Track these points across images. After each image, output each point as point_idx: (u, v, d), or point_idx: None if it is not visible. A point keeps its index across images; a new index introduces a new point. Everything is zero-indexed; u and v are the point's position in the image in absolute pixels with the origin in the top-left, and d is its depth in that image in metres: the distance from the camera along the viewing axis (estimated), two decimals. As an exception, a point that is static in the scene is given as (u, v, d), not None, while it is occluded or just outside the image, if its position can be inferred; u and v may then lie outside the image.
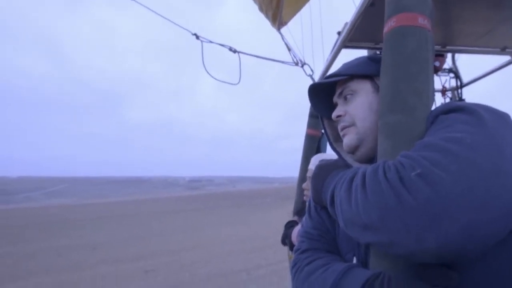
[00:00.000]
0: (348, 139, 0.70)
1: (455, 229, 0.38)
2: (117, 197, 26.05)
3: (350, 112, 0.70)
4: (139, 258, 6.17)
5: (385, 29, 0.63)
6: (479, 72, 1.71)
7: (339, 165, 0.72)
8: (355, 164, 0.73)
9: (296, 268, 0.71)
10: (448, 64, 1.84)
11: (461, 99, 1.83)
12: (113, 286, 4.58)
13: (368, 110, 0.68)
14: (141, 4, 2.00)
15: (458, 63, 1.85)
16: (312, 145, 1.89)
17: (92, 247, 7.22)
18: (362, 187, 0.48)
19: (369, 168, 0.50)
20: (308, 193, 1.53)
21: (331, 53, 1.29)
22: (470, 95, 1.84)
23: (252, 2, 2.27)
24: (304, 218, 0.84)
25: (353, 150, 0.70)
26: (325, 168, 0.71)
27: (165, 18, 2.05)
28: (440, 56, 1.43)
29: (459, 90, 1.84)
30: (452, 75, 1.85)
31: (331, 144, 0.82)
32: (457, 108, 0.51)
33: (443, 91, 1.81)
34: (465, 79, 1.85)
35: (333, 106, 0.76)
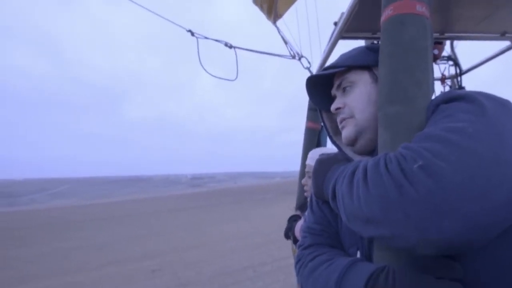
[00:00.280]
0: (347, 131, 0.69)
1: (457, 219, 0.38)
2: (119, 197, 26.13)
3: (349, 104, 0.70)
4: (144, 257, 6.21)
5: (382, 18, 0.62)
6: (479, 59, 1.69)
7: (339, 159, 0.71)
8: (356, 157, 0.72)
9: (300, 264, 0.71)
10: (446, 51, 1.82)
11: (460, 87, 1.82)
12: (121, 286, 4.61)
13: (367, 101, 0.68)
14: (134, 2, 1.97)
15: (457, 50, 1.83)
16: (312, 139, 1.88)
17: (97, 248, 7.27)
18: (363, 181, 0.47)
19: (370, 161, 0.50)
20: (308, 189, 1.53)
21: (328, 44, 1.28)
22: (470, 83, 1.83)
23: (247, -5, 2.24)
24: (306, 213, 0.84)
25: (352, 142, 0.70)
26: (325, 163, 0.70)
27: (159, 16, 2.03)
28: (439, 43, 1.41)
29: (459, 78, 1.83)
30: (451, 62, 1.83)
31: (330, 138, 0.82)
32: (458, 96, 0.51)
33: (442, 79, 1.80)
34: (464, 66, 1.83)
35: (332, 99, 0.76)
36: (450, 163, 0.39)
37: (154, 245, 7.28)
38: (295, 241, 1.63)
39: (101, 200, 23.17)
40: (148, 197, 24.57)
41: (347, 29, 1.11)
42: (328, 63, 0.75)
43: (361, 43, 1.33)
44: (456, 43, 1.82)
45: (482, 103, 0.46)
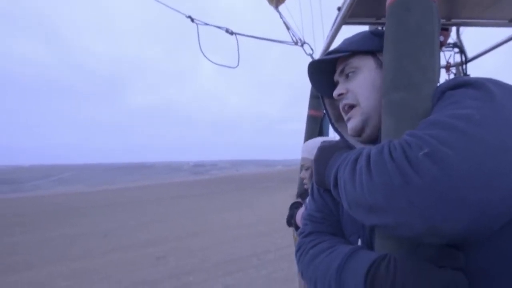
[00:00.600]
0: (354, 122, 0.68)
1: (462, 208, 0.37)
2: (123, 184, 26.43)
3: (352, 90, 0.68)
4: (149, 244, 6.30)
5: (388, 2, 0.60)
6: (485, 46, 1.65)
7: (341, 146, 0.70)
8: (358, 145, 0.71)
9: (300, 251, 0.72)
10: (452, 38, 1.78)
11: (466, 75, 1.78)
12: (126, 274, 4.71)
13: (371, 87, 0.66)
14: None
15: (463, 37, 1.79)
16: (314, 126, 1.88)
17: (102, 234, 7.39)
18: (366, 168, 0.46)
19: (373, 148, 0.49)
20: (307, 182, 1.53)
21: (331, 30, 1.25)
22: (475, 71, 1.79)
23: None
24: (307, 200, 0.84)
25: (359, 133, 0.69)
26: (327, 150, 0.69)
27: (159, 2, 1.98)
28: (444, 30, 1.38)
29: (464, 66, 1.79)
30: (456, 50, 1.80)
31: (332, 125, 0.81)
32: (465, 83, 0.49)
33: (448, 67, 1.77)
34: (470, 54, 1.79)
35: (335, 85, 0.74)
36: (457, 150, 0.38)
37: (158, 232, 7.39)
38: (296, 228, 1.64)
39: (105, 187, 23.45)
40: (151, 184, 24.83)
41: (350, 14, 1.08)
42: (331, 49, 0.74)
43: (364, 29, 1.30)
44: (462, 29, 1.77)
45: (490, 89, 0.45)
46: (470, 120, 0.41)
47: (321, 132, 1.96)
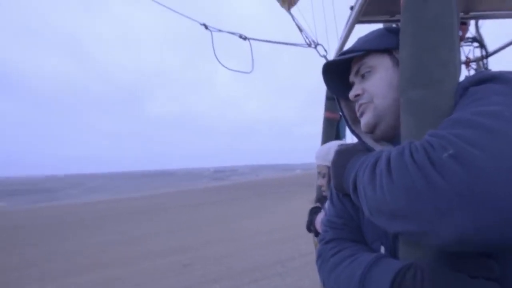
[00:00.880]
0: (366, 118, 0.66)
1: (494, 214, 0.34)
2: (148, 191, 27.26)
3: (368, 90, 0.66)
4: (176, 252, 6.43)
5: None
6: (506, 39, 1.57)
7: (359, 149, 0.67)
8: (377, 147, 0.69)
9: (321, 259, 0.70)
10: (471, 33, 1.69)
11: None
12: (156, 281, 4.82)
13: (387, 86, 0.63)
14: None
15: (482, 31, 1.69)
16: (331, 129, 1.84)
17: (131, 242, 7.63)
18: (387, 171, 0.44)
19: (393, 150, 0.46)
20: (325, 189, 1.49)
21: (344, 30, 1.22)
22: (497, 66, 1.69)
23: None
24: (326, 206, 0.81)
25: (372, 129, 0.66)
26: (344, 154, 0.66)
27: (174, 11, 2.05)
28: (463, 24, 1.31)
29: (485, 61, 1.70)
30: (476, 44, 1.70)
31: (349, 127, 0.78)
32: (489, 77, 0.46)
33: (467, 63, 1.68)
34: (490, 48, 1.70)
35: (350, 86, 0.72)
36: (485, 150, 0.35)
37: (183, 239, 7.53)
38: (316, 234, 1.60)
39: (131, 195, 24.30)
40: (174, 191, 25.43)
41: (364, 12, 1.05)
42: (345, 49, 0.72)
43: (379, 27, 1.25)
44: (481, 22, 1.67)
45: None
46: (497, 117, 0.37)
47: (338, 135, 1.91)
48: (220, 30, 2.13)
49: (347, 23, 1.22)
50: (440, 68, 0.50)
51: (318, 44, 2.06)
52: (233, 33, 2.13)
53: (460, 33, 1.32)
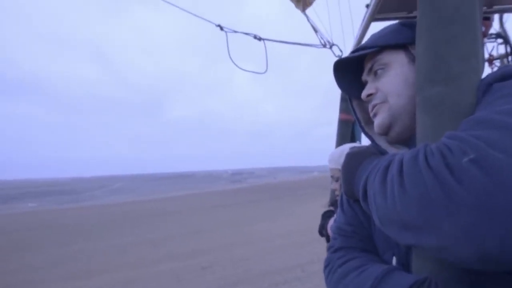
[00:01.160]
0: (380, 118, 0.61)
1: None
2: (168, 193, 27.85)
3: (382, 89, 0.61)
4: (195, 254, 6.49)
5: None
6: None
7: (372, 152, 0.62)
8: (391, 150, 0.64)
9: (328, 268, 0.66)
10: (495, 28, 1.58)
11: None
12: (176, 284, 4.88)
13: (403, 84, 0.58)
14: (169, 2, 2.06)
15: (507, 26, 1.58)
16: (346, 131, 1.79)
17: (152, 244, 7.79)
18: (399, 178, 0.39)
19: (406, 154, 0.41)
20: (339, 193, 1.45)
21: (359, 28, 1.18)
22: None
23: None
24: (337, 212, 0.78)
25: (386, 130, 0.61)
26: (356, 157, 0.61)
27: (189, 12, 2.10)
28: (486, 19, 1.22)
29: (510, 58, 1.58)
30: (500, 40, 1.59)
31: (362, 128, 0.73)
32: None
33: (490, 60, 1.57)
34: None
35: (364, 85, 0.67)
36: (510, 154, 0.30)
37: (202, 242, 7.60)
38: (328, 239, 1.56)
39: (152, 196, 24.95)
40: (193, 193, 25.84)
41: (379, 9, 1.00)
42: (358, 46, 0.68)
43: (395, 24, 1.21)
44: (506, 17, 1.56)
45: None
46: None
47: (353, 137, 1.86)
48: (235, 31, 2.15)
49: (362, 21, 1.18)
50: (460, 62, 0.46)
51: (333, 44, 2.02)
52: (248, 34, 2.14)
53: (483, 28, 1.24)
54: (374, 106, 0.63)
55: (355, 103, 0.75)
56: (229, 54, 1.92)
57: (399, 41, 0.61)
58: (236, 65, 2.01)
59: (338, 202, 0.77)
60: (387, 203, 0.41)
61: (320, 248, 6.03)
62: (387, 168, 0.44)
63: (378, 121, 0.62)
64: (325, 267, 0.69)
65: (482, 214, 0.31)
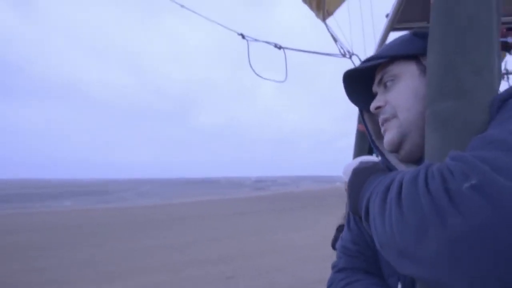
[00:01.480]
0: (390, 135, 0.58)
1: None
2: (193, 198, 28.37)
3: (391, 102, 0.58)
4: (219, 261, 6.47)
5: None
6: None
7: (379, 168, 0.57)
8: (400, 167, 0.61)
9: None
10: None
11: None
12: None
13: (413, 97, 0.56)
14: (191, 10, 2.15)
15: None
16: (363, 143, 1.73)
17: (178, 248, 7.87)
18: (397, 200, 0.37)
19: (407, 174, 0.39)
20: None
21: (379, 38, 1.16)
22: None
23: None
24: (344, 229, 0.75)
25: (396, 148, 0.58)
26: (362, 173, 0.57)
27: (212, 21, 2.18)
28: (511, 30, 1.13)
29: None
30: None
31: (372, 142, 0.70)
32: None
33: None
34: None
35: (374, 96, 0.64)
36: None
37: (227, 249, 7.58)
38: None
39: (178, 200, 25.56)
40: (217, 198, 26.13)
41: (399, 19, 0.97)
42: (368, 57, 0.66)
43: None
44: None
45: None
46: None
47: (371, 149, 1.80)
48: (256, 40, 2.20)
49: (382, 31, 1.16)
50: (473, 75, 0.43)
51: (353, 54, 1.99)
52: (268, 43, 2.18)
53: (510, 39, 1.15)
54: (384, 121, 0.60)
55: (366, 116, 0.73)
56: (249, 62, 1.96)
57: (410, 51, 0.58)
58: (256, 73, 2.03)
59: (345, 220, 0.75)
60: (385, 227, 0.38)
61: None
62: (388, 188, 0.41)
63: (387, 138, 0.59)
64: (328, 287, 0.67)
65: (481, 249, 0.28)
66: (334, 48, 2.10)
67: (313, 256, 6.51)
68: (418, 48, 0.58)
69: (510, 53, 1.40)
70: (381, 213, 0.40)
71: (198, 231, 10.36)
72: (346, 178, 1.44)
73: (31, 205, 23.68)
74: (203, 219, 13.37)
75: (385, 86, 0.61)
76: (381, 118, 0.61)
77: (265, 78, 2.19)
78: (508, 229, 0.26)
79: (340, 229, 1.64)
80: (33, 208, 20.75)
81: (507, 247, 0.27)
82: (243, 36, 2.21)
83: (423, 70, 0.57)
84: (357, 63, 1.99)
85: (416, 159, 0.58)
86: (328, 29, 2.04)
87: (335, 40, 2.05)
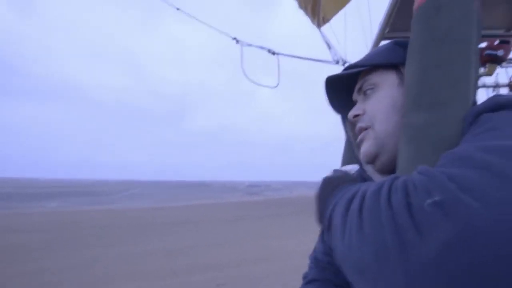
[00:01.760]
0: (366, 146, 0.57)
1: None
2: (185, 202, 28.02)
3: (369, 111, 0.58)
4: (210, 268, 6.30)
5: (416, 5, 0.50)
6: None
7: (349, 178, 0.55)
8: (376, 177, 0.60)
9: None
10: None
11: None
12: None
13: (390, 108, 0.55)
14: (186, 13, 2.15)
15: None
16: (352, 150, 1.71)
17: (167, 254, 7.65)
18: (358, 213, 0.35)
19: (372, 185, 0.37)
20: None
21: (371, 47, 1.17)
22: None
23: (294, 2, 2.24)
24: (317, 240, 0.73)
25: (372, 159, 0.57)
26: (332, 182, 0.54)
27: (206, 24, 2.19)
28: (505, 43, 1.14)
29: None
30: None
31: (352, 151, 0.70)
32: (510, 103, 0.37)
33: (511, 86, 1.46)
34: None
35: (355, 105, 0.64)
36: (487, 202, 0.25)
37: (218, 256, 7.40)
38: None
39: (170, 204, 25.13)
40: (210, 203, 25.84)
41: (391, 28, 0.98)
42: (350, 64, 0.66)
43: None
44: None
45: None
46: None
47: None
48: (250, 45, 2.21)
49: (374, 39, 1.16)
50: (448, 88, 0.42)
51: (346, 61, 2.01)
52: (262, 48, 2.19)
53: (502, 53, 1.16)
54: (360, 130, 0.59)
55: (348, 123, 0.71)
56: (242, 66, 1.96)
57: (391, 60, 0.58)
58: (247, 77, 2.03)
59: (320, 230, 0.73)
60: (344, 241, 0.36)
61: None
62: (351, 199, 0.39)
63: (363, 149, 0.58)
64: None
65: (438, 272, 0.25)
66: (328, 55, 2.11)
67: (306, 264, 6.45)
68: (399, 57, 0.57)
69: (501, 66, 1.42)
70: (342, 226, 0.38)
71: (188, 236, 10.16)
72: None
73: (19, 205, 23.14)
74: (194, 224, 13.15)
75: (365, 94, 0.61)
76: (358, 127, 0.60)
77: (257, 83, 2.19)
78: (470, 252, 0.24)
79: None
80: (23, 209, 20.25)
81: (469, 273, 0.24)
82: (237, 41, 2.22)
83: (403, 80, 0.56)
84: (349, 71, 2.00)
85: (392, 170, 0.55)
86: (322, 36, 2.05)
87: (329, 47, 2.07)
